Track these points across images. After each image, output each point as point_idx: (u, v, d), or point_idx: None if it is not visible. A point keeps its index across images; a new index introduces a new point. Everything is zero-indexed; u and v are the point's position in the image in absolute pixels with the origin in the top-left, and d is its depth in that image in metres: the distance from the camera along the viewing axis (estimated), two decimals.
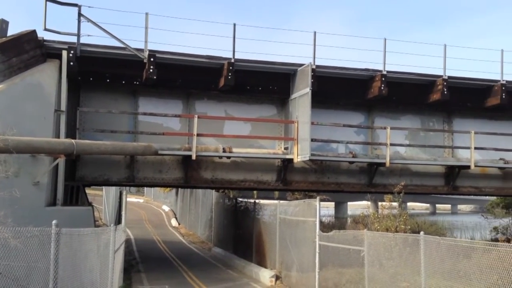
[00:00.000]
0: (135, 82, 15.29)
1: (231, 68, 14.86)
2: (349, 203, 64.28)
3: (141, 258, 20.89)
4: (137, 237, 29.17)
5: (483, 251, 8.45)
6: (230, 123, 16.09)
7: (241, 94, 16.20)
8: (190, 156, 14.64)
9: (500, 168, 17.90)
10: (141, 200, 61.01)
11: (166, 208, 48.03)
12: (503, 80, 16.84)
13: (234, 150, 15.24)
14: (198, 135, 14.76)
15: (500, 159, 17.63)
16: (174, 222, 38.97)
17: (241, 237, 20.17)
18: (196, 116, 14.94)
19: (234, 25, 14.91)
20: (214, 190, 25.62)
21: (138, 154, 14.72)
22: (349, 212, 58.92)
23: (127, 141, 14.83)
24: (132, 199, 57.22)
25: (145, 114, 15.40)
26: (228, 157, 15.45)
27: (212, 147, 15.29)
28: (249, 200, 20.84)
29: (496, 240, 15.09)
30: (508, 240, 10.96)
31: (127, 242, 25.22)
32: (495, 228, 27.18)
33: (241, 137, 15.75)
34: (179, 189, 38.70)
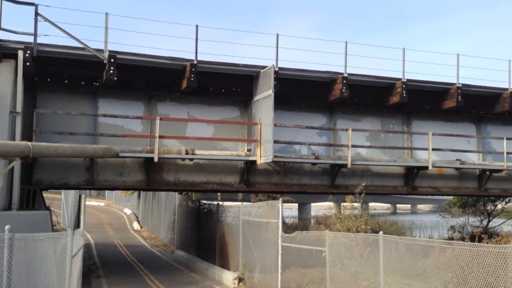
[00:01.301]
0: (95, 83, 14.99)
1: (193, 69, 14.75)
2: (312, 204, 64.94)
3: (101, 263, 20.44)
4: (97, 241, 28.54)
5: (440, 249, 8.69)
6: (193, 125, 15.98)
7: (204, 96, 16.12)
8: (152, 158, 14.44)
9: (456, 168, 18.46)
10: (102, 204, 59.81)
11: (128, 211, 47.24)
12: (459, 83, 17.39)
13: (197, 152, 15.14)
14: (160, 137, 14.58)
15: (457, 159, 18.19)
16: (136, 226, 38.38)
17: (204, 239, 20.04)
18: (158, 118, 14.75)
19: (197, 26, 14.85)
20: (177, 193, 25.38)
21: (98, 157, 14.41)
22: (313, 213, 59.59)
23: (87, 143, 14.50)
24: (92, 202, 56.03)
25: (105, 115, 15.09)
26: (191, 159, 15.34)
27: (174, 149, 15.13)
28: (212, 202, 20.74)
29: (452, 238, 15.55)
30: (463, 239, 11.29)
31: (87, 246, 24.66)
32: (452, 227, 28.09)
33: (204, 139, 15.66)
34: (142, 192, 38.16)
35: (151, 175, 15.45)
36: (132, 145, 14.78)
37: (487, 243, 11.46)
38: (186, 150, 14.98)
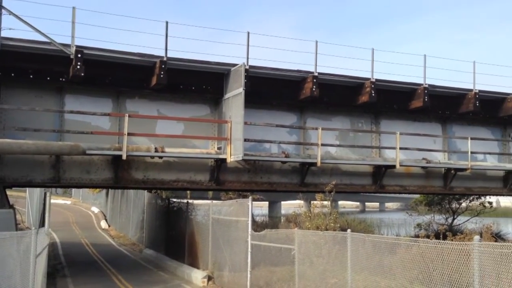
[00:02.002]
0: (61, 79, 14.63)
1: (163, 66, 14.58)
2: (282, 202, 65.29)
3: (67, 262, 20.02)
4: (63, 240, 27.94)
5: (406, 247, 8.84)
6: (163, 122, 15.80)
7: (174, 93, 15.96)
8: (121, 156, 14.21)
9: (422, 167, 18.83)
10: (69, 202, 58.65)
11: (95, 209, 46.44)
12: (425, 84, 17.74)
13: (166, 150, 14.98)
14: (129, 134, 14.36)
15: (423, 158, 18.56)
16: (104, 224, 37.76)
17: (173, 238, 19.87)
18: (127, 115, 14.53)
19: (166, 22, 14.69)
20: (146, 191, 25.08)
21: (64, 154, 14.09)
22: (283, 211, 59.84)
23: (52, 141, 14.15)
24: (58, 200, 54.91)
25: (72, 112, 14.74)
26: (161, 157, 15.16)
27: (144, 147, 14.94)
28: (182, 201, 20.59)
29: (418, 236, 15.89)
30: (428, 236, 11.54)
31: (52, 246, 24.13)
32: (419, 225, 28.66)
33: (174, 137, 15.51)
34: (110, 190, 37.57)
35: (120, 173, 15.21)
36: (99, 142, 14.50)
37: (452, 240, 11.75)
38: (156, 148, 14.80)
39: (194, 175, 16.13)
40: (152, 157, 15.02)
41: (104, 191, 41.46)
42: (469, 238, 10.28)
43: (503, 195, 21.20)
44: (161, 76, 14.55)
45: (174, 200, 21.88)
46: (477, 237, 6.33)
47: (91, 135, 14.51)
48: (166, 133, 15.34)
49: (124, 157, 14.17)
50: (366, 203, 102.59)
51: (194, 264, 16.81)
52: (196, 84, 16.01)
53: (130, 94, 15.70)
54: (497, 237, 22.01)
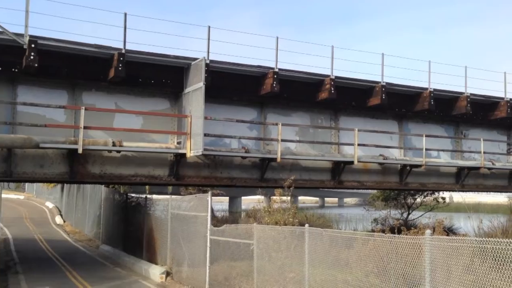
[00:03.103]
0: (14, 69, 14.07)
1: (121, 59, 14.26)
2: (243, 197, 65.44)
3: (20, 259, 19.38)
4: (16, 236, 27.00)
5: (362, 241, 9.02)
6: (121, 116, 15.48)
7: (133, 86, 15.65)
8: (76, 149, 13.83)
9: (380, 163, 19.23)
10: (22, 197, 56.79)
11: (50, 204, 45.15)
12: (383, 82, 18.10)
13: (124, 144, 14.69)
14: (85, 127, 13.99)
15: (380, 155, 18.97)
16: (58, 220, 36.78)
17: (131, 233, 19.58)
18: (83, 107, 14.15)
19: (125, 14, 14.38)
20: (103, 186, 24.57)
21: (16, 147, 13.59)
22: (243, 207, 60.00)
23: (4, 133, 13.62)
24: (10, 195, 53.12)
25: (25, 104, 14.21)
26: (118, 151, 14.85)
27: (101, 141, 14.59)
28: (140, 196, 20.29)
29: (374, 231, 16.26)
30: (383, 231, 11.82)
31: (4, 242, 23.35)
32: (375, 220, 29.33)
33: (132, 131, 15.23)
34: (65, 184, 36.59)
35: (75, 167, 14.80)
36: (54, 135, 14.06)
37: (406, 234, 12.06)
38: (113, 142, 14.49)
39: (153, 170, 15.90)
40: (110, 151, 14.70)
41: (59, 185, 40.35)
42: (422, 232, 10.58)
43: (455, 190, 21.95)
44: (119, 68, 14.24)
45: (133, 195, 21.53)
46: (428, 231, 6.52)
47: (46, 128, 14.04)
48: (124, 127, 15.03)
49: (80, 151, 13.80)
50: (326, 199, 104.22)
51: (152, 259, 16.61)
52: (155, 77, 15.76)
53: (87, 87, 15.29)
54: (449, 231, 22.78)
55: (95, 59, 14.62)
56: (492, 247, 6.03)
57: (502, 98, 20.54)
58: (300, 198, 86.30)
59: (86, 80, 15.11)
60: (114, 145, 14.44)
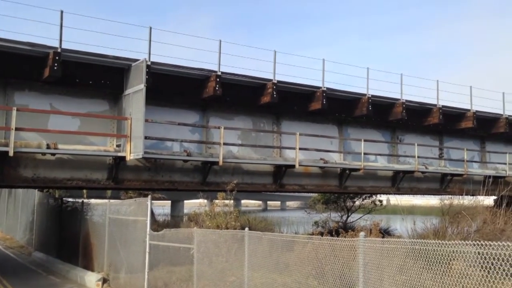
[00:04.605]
0: None
1: (57, 58, 13.72)
2: (185, 201, 64.75)
3: None
4: None
5: (302, 244, 9.13)
6: (56, 117, 14.86)
7: (69, 87, 15.09)
8: (7, 152, 13.13)
9: (320, 167, 19.62)
10: None
11: None
12: (324, 87, 18.50)
13: (60, 146, 14.13)
14: (17, 129, 13.30)
15: (321, 159, 19.35)
16: None
17: (67, 239, 18.82)
18: (15, 108, 13.47)
19: (61, 12, 13.84)
20: (37, 190, 23.49)
21: None
22: (186, 210, 59.32)
23: None
24: None
25: None
26: (53, 154, 14.27)
27: (34, 143, 13.96)
28: (77, 200, 19.57)
29: (313, 233, 16.57)
30: (322, 233, 12.05)
31: None
32: (316, 222, 29.88)
33: (69, 133, 14.66)
34: None
35: (6, 171, 14.06)
36: None
37: (344, 237, 12.36)
38: (48, 144, 13.90)
39: (91, 174, 15.38)
40: (44, 154, 14.09)
41: None
42: (358, 235, 10.88)
43: (391, 193, 22.76)
44: (55, 68, 13.69)
45: (69, 199, 20.74)
46: (362, 233, 6.70)
47: None
48: (60, 129, 14.43)
49: (11, 153, 13.11)
50: (268, 202, 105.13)
51: (88, 266, 16.04)
52: (94, 78, 15.28)
53: (20, 86, 14.57)
54: (386, 233, 23.60)
55: (29, 57, 14.00)
56: (423, 248, 6.27)
57: (435, 105, 21.56)
58: (243, 201, 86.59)
59: (19, 80, 14.42)
60: (48, 147, 13.86)
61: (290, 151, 18.85)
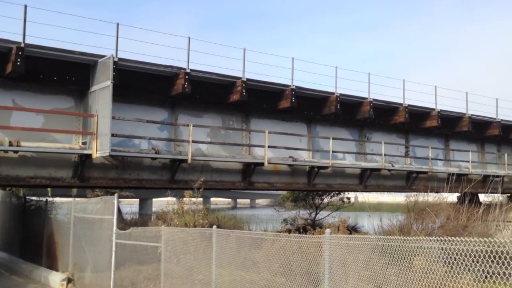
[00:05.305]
0: None
1: (20, 53, 13.35)
2: (154, 199, 64.12)
3: None
4: None
5: (270, 241, 9.16)
6: (19, 114, 14.45)
7: (33, 82, 14.71)
8: None
9: (289, 165, 19.74)
10: None
11: None
12: (293, 85, 18.60)
13: (23, 144, 13.76)
14: None
15: (290, 157, 19.47)
16: None
17: (30, 239, 18.36)
18: None
19: (25, 6, 13.48)
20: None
21: None
22: (154, 209, 58.72)
23: None
24: None
25: None
26: (16, 152, 13.88)
27: None
28: (41, 199, 19.11)
29: (281, 231, 16.69)
30: (289, 231, 12.14)
31: None
32: (285, 220, 30.09)
33: (32, 130, 14.28)
34: None
35: None
36: None
37: (312, 234, 12.48)
38: (10, 141, 13.52)
39: (55, 171, 15.05)
40: (6, 151, 13.69)
41: None
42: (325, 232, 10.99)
43: (359, 191, 23.11)
44: (18, 63, 13.32)
45: (33, 198, 20.23)
46: (328, 230, 6.77)
47: None
48: (23, 126, 14.04)
49: None
50: (238, 200, 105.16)
51: (52, 266, 15.70)
52: (59, 74, 14.93)
53: None
54: (353, 230, 23.96)
55: None
56: (388, 244, 6.38)
57: (401, 104, 21.98)
58: (213, 199, 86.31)
59: None
60: (11, 144, 13.49)
61: (259, 149, 18.89)
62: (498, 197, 24.20)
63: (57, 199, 19.60)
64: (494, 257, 5.23)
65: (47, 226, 16.71)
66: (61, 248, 15.55)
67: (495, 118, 25.80)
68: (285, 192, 32.06)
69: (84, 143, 15.15)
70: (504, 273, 5.18)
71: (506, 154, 27.48)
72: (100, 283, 12.80)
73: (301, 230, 10.52)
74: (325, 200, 31.51)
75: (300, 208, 31.51)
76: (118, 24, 14.95)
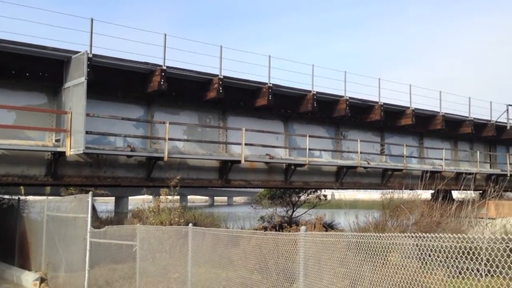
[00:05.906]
0: None
1: None
2: (130, 197, 63.45)
3: None
4: None
5: (247, 239, 9.16)
6: None
7: (4, 78, 14.36)
8: None
9: (266, 162, 19.75)
10: None
11: None
12: (270, 83, 18.62)
13: None
14: None
15: (267, 154, 19.49)
16: None
17: (2, 238, 17.95)
18: None
19: None
20: None
21: None
22: (130, 207, 58.13)
23: None
24: None
25: None
26: None
27: None
28: (13, 197, 18.71)
29: (258, 228, 16.72)
30: (266, 228, 12.17)
31: None
32: (262, 217, 30.15)
33: (4, 127, 13.97)
34: None
35: None
36: None
37: (288, 231, 12.54)
38: None
39: (28, 169, 14.73)
40: None
41: None
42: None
43: (335, 188, 23.28)
44: None
45: (5, 196, 19.78)
46: (303, 227, 6.80)
47: None
48: None
49: None
50: (215, 198, 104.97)
51: (25, 265, 15.41)
52: (31, 70, 14.61)
53: None
54: (329, 227, 24.19)
55: None
56: (363, 241, 6.44)
57: (377, 102, 22.23)
58: (190, 197, 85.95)
59: None
60: None
61: (236, 146, 18.85)
62: (470, 194, 24.70)
63: (30, 198, 19.25)
64: (468, 253, 5.33)
65: (20, 225, 16.39)
66: (34, 247, 15.27)
67: (467, 117, 26.34)
68: (262, 189, 32.13)
69: (57, 141, 14.88)
70: (478, 269, 5.29)
71: (478, 152, 28.09)
72: (74, 283, 12.62)
73: (277, 228, 10.55)
74: (302, 198, 31.68)
75: (277, 205, 31.62)
76: (92, 19, 14.72)
